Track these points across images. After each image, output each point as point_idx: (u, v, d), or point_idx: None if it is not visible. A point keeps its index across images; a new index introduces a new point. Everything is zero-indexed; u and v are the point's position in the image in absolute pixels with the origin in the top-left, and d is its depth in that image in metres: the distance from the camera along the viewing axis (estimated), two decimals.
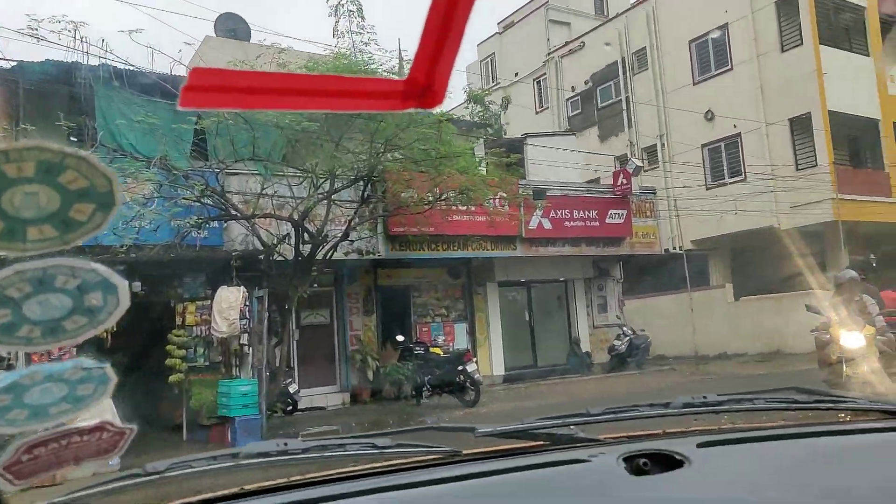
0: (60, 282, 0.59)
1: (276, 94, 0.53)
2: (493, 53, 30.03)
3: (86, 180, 0.54)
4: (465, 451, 1.28)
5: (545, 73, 26.98)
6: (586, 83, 24.75)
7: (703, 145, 20.25)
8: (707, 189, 19.89)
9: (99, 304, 0.61)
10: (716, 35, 20.19)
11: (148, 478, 1.18)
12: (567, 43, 26.48)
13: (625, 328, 17.17)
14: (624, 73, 23.34)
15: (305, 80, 0.53)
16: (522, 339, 16.94)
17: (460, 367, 12.31)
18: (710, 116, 20.24)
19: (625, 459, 1.06)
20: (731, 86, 19.57)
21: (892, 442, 1.21)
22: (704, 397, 1.40)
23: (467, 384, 12.31)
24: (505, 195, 13.56)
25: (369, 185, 12.10)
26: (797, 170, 18.09)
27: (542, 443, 1.31)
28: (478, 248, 14.38)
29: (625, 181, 16.37)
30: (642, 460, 1.04)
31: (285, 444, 1.29)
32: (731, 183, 19.69)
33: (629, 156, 19.68)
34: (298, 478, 1.24)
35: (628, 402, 1.46)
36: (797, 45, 18.36)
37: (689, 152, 20.07)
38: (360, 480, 1.18)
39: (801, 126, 18.34)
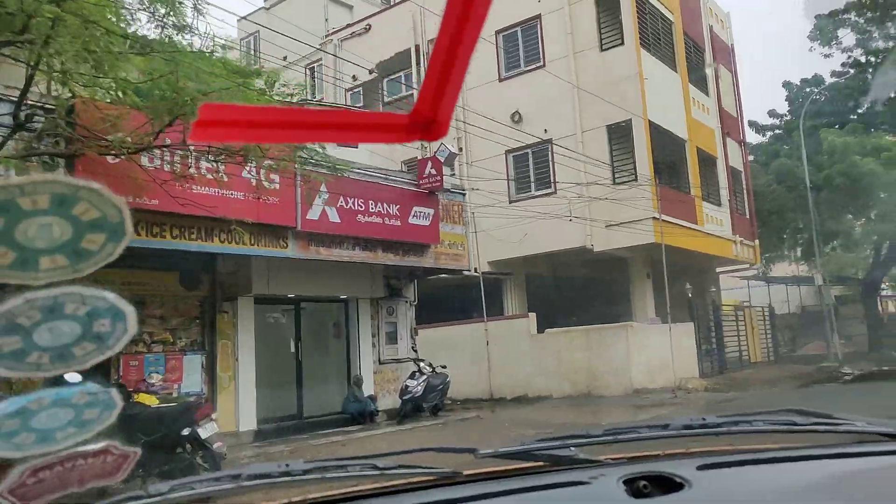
0: (70, 309, 0.60)
1: (283, 128, 0.55)
2: (258, 31, 25.00)
3: (98, 211, 0.56)
4: (465, 472, 1.28)
5: (321, 59, 22.67)
6: (371, 73, 20.89)
7: (508, 151, 17.35)
8: (510, 203, 16.98)
9: (107, 329, 0.63)
10: (526, 27, 17.64)
11: (151, 499, 1.18)
12: (349, 25, 22.55)
13: (422, 364, 13.16)
14: (417, 63, 19.93)
15: (311, 114, 0.55)
16: (285, 378, 12.06)
17: (186, 430, 7.23)
18: (517, 119, 17.47)
19: (625, 482, 1.06)
20: (543, 85, 17.00)
21: (892, 466, 1.18)
22: (704, 419, 1.40)
23: (197, 458, 7.27)
24: (274, 163, 8.68)
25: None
26: (614, 183, 15.85)
27: (542, 464, 1.30)
28: (229, 240, 9.33)
29: (434, 173, 12.52)
30: (642, 482, 1.03)
31: (287, 466, 1.29)
32: (538, 196, 16.98)
33: (426, 154, 15.98)
34: (300, 499, 1.26)
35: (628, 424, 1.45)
36: (617, 45, 16.35)
37: (491, 159, 17.01)
38: (362, 501, 1.19)
39: (619, 134, 16.24)
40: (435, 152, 12.94)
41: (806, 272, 28.58)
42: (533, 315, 16.53)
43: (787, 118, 27.07)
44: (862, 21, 21.30)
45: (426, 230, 12.35)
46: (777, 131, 27.91)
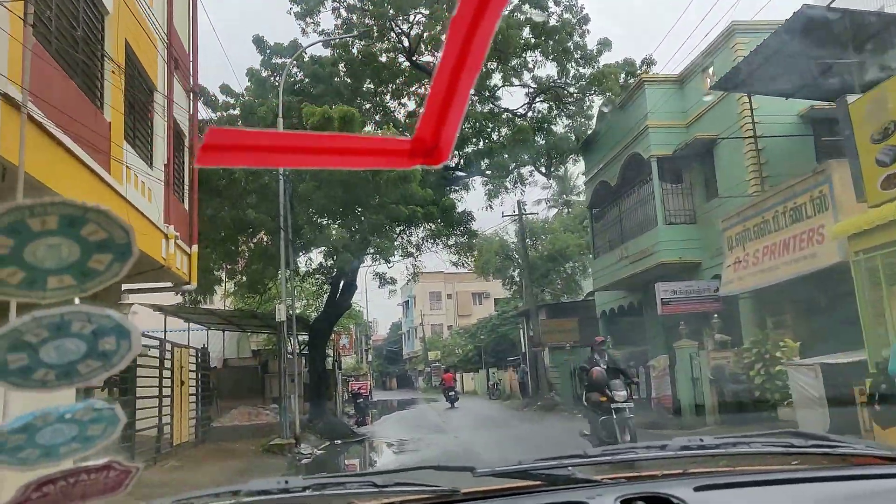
0: (76, 327, 0.61)
1: (288, 153, 0.57)
2: None
3: (105, 232, 0.57)
4: (463, 491, 1.29)
5: None
6: None
7: None
8: None
9: (112, 348, 0.64)
10: None
11: None
12: None
13: None
14: None
15: (315, 139, 0.57)
16: None
17: None
18: None
19: (622, 502, 1.06)
20: None
21: (890, 489, 1.16)
22: (701, 440, 1.40)
23: None
24: None
25: None
26: None
27: (540, 483, 1.31)
28: None
29: None
30: (639, 503, 1.04)
31: (286, 482, 1.29)
32: None
33: None
34: None
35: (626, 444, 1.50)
36: None
37: None
38: None
39: None
40: None
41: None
42: None
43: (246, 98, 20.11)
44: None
45: None
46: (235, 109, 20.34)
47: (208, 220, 15.39)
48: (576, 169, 32.04)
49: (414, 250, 20.01)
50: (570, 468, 1.33)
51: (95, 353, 0.62)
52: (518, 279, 39.59)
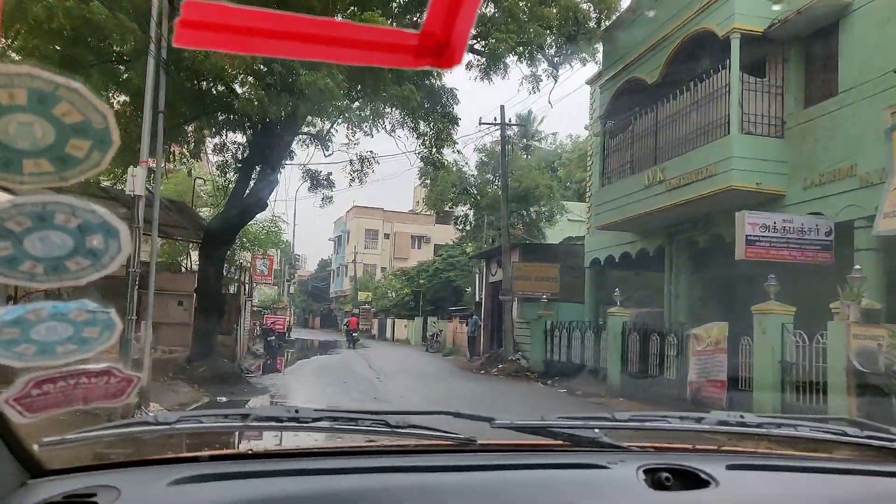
0: (60, 219, 0.61)
1: (277, 39, 0.50)
2: None
3: (80, 114, 0.55)
4: (479, 441, 1.25)
5: None
6: None
7: None
8: None
9: (101, 246, 0.63)
10: None
11: (158, 427, 1.16)
12: None
13: None
14: None
15: (312, 24, 0.51)
16: None
17: None
18: None
19: (645, 471, 1.02)
20: None
21: None
22: (742, 416, 1.33)
23: None
24: None
25: None
26: None
27: (561, 442, 1.27)
28: None
29: None
30: (664, 474, 0.99)
31: (296, 412, 1.24)
32: None
33: None
34: (308, 446, 1.24)
35: (659, 412, 1.38)
36: None
37: None
38: (372, 458, 1.18)
39: None
40: None
41: None
42: None
43: None
44: None
45: None
46: None
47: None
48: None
49: (367, 122, 13.66)
50: (595, 430, 1.27)
51: (83, 251, 0.62)
52: (473, 219, 33.97)
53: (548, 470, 1.10)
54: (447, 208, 34.04)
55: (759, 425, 1.29)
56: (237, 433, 1.30)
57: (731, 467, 1.07)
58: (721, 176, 12.10)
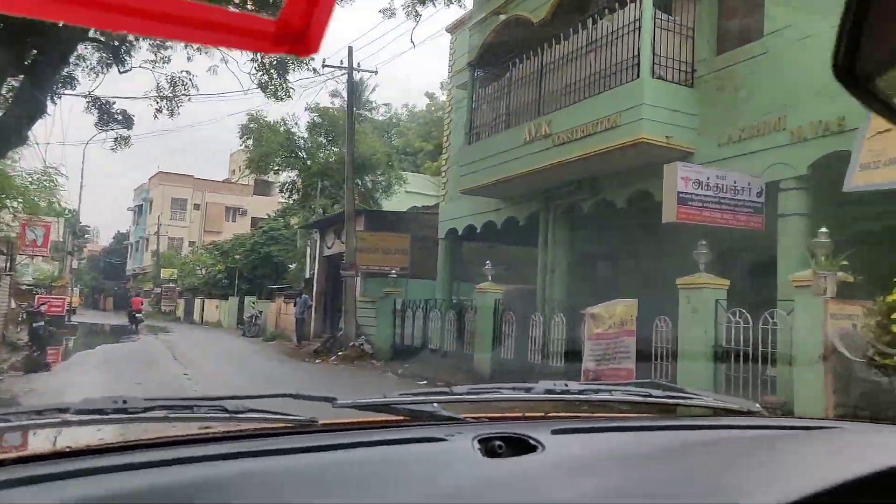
0: None
1: (119, 13, 0.44)
2: None
3: None
4: (321, 422, 1.23)
5: None
6: None
7: None
8: None
9: None
10: None
11: None
12: None
13: None
14: None
15: (160, 1, 0.45)
16: None
17: None
18: None
19: (480, 441, 1.06)
20: None
21: (736, 437, 1.23)
22: (566, 384, 1.42)
23: None
24: None
25: None
26: None
27: (402, 418, 1.29)
28: None
29: None
30: (497, 443, 1.04)
31: (124, 402, 1.15)
32: None
33: None
34: (135, 439, 1.12)
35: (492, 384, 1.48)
36: None
37: None
38: (207, 445, 1.10)
39: None
40: None
41: None
42: None
43: None
44: None
45: None
46: None
47: None
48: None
49: None
50: (434, 404, 1.30)
51: None
52: (301, 187, 30.44)
53: (389, 446, 1.10)
54: (273, 172, 30.16)
55: (580, 392, 1.40)
56: (51, 430, 1.12)
57: (555, 432, 1.13)
58: (628, 127, 10.21)
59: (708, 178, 8.34)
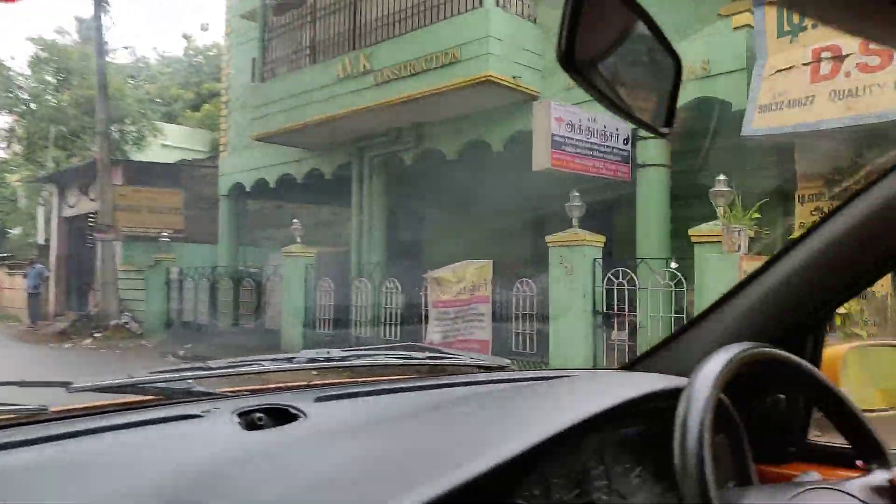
0: None
1: None
2: None
3: None
4: (53, 409, 1.10)
5: None
6: None
7: None
8: None
9: None
10: None
11: None
12: None
13: None
14: None
15: None
16: None
17: None
18: None
19: (240, 414, 1.03)
20: None
21: (484, 392, 1.26)
22: (328, 352, 1.40)
23: None
24: None
25: None
26: None
27: (152, 398, 1.20)
28: None
29: None
30: (258, 415, 1.02)
31: None
32: None
33: None
34: None
35: (252, 356, 1.42)
36: None
37: None
38: None
39: None
40: None
41: None
42: None
43: None
44: None
45: None
46: None
47: None
48: None
49: None
50: (189, 381, 1.21)
51: None
52: (25, 135, 24.89)
53: (137, 428, 0.99)
54: None
55: (343, 358, 1.38)
56: None
57: (319, 399, 1.11)
58: (471, 63, 8.91)
59: (580, 121, 7.35)
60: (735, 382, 0.89)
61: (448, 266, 8.63)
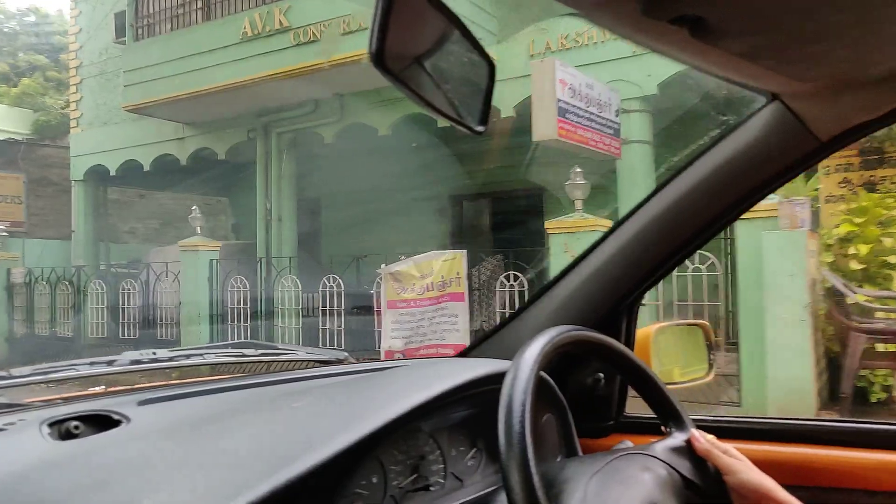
0: None
1: None
2: None
3: None
4: None
5: None
6: None
7: None
8: None
9: None
10: None
11: None
12: None
13: None
14: None
15: None
16: None
17: None
18: None
19: (50, 425, 0.92)
20: None
21: (321, 385, 1.22)
22: (154, 353, 1.31)
23: None
24: None
25: None
26: None
27: None
28: None
29: None
30: (73, 423, 0.92)
31: None
32: None
33: None
34: None
35: (66, 361, 1.25)
36: None
37: None
38: None
39: None
40: None
41: None
42: None
43: None
44: None
45: None
46: None
47: None
48: None
49: None
50: None
51: None
52: None
53: None
54: None
55: (170, 359, 1.30)
56: None
57: (142, 402, 1.02)
58: None
59: (580, 85, 6.34)
60: (559, 364, 1.04)
61: (409, 258, 7.33)
